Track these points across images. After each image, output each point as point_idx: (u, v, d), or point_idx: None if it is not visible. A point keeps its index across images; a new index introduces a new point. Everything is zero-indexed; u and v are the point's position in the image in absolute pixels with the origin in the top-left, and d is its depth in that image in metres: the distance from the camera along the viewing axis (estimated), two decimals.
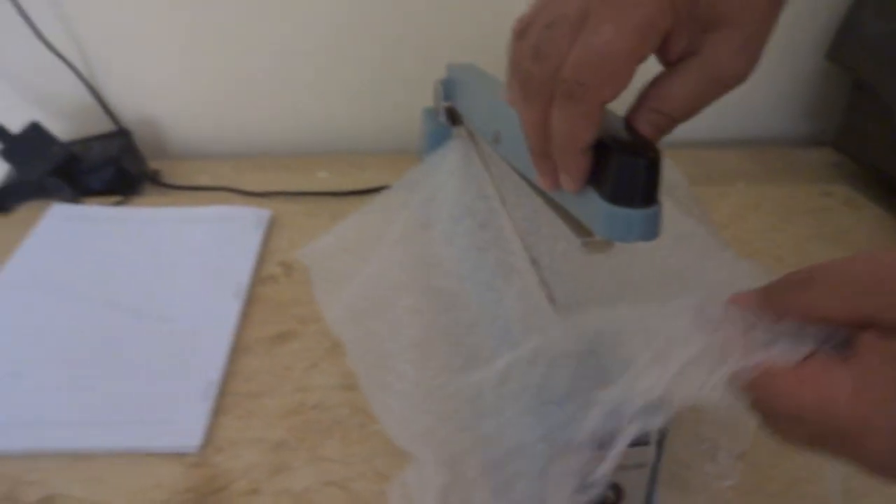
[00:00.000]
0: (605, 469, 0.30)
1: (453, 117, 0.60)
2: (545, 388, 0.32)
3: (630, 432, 0.28)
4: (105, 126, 0.76)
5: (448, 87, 0.60)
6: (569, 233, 0.36)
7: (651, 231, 0.29)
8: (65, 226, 0.62)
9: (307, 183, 0.71)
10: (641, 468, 0.35)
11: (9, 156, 0.67)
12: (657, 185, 0.29)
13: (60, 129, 0.71)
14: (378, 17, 0.73)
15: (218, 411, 0.45)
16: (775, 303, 0.25)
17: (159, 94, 0.77)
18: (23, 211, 0.66)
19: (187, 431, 0.43)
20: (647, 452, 0.35)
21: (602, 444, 0.33)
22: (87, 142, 0.73)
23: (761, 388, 0.24)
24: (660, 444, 0.35)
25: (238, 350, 0.50)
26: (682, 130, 0.84)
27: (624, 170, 0.28)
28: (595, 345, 0.31)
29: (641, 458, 0.35)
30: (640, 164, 0.28)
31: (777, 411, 0.24)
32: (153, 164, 0.74)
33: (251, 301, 0.55)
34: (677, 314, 0.27)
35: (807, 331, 0.24)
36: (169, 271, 0.57)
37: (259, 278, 0.57)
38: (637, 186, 0.29)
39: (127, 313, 0.52)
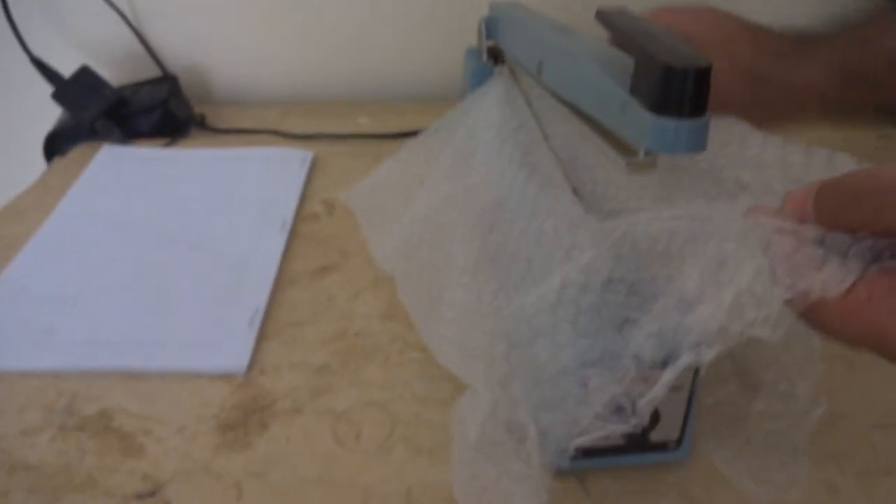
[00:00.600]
0: (652, 396, 0.30)
1: (496, 56, 0.60)
2: (599, 312, 0.32)
3: (682, 363, 0.28)
4: (152, 72, 0.77)
5: (490, 26, 0.59)
6: (614, 155, 0.35)
7: (699, 142, 0.29)
8: (116, 165, 0.64)
9: (348, 127, 0.72)
10: (678, 392, 0.35)
11: (61, 98, 0.68)
12: (707, 95, 0.28)
13: (110, 75, 0.73)
14: None
15: (263, 337, 0.47)
16: (831, 215, 0.24)
17: (205, 41, 0.78)
18: (75, 153, 0.68)
19: (234, 355, 0.45)
20: (685, 376, 0.35)
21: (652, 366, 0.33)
22: (135, 87, 0.75)
23: (811, 320, 0.24)
24: (696, 369, 0.35)
25: (283, 282, 0.51)
26: None
27: (672, 79, 0.28)
28: (644, 260, 0.31)
29: (678, 381, 0.35)
30: (688, 73, 0.28)
31: (832, 337, 0.23)
32: (199, 109, 0.76)
33: (295, 236, 0.56)
34: (728, 219, 0.27)
35: (859, 245, 0.24)
36: (217, 207, 0.58)
37: (302, 216, 0.58)
38: (685, 96, 0.28)
39: (178, 245, 0.54)
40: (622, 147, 0.35)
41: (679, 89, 0.28)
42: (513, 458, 0.35)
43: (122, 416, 0.42)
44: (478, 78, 0.62)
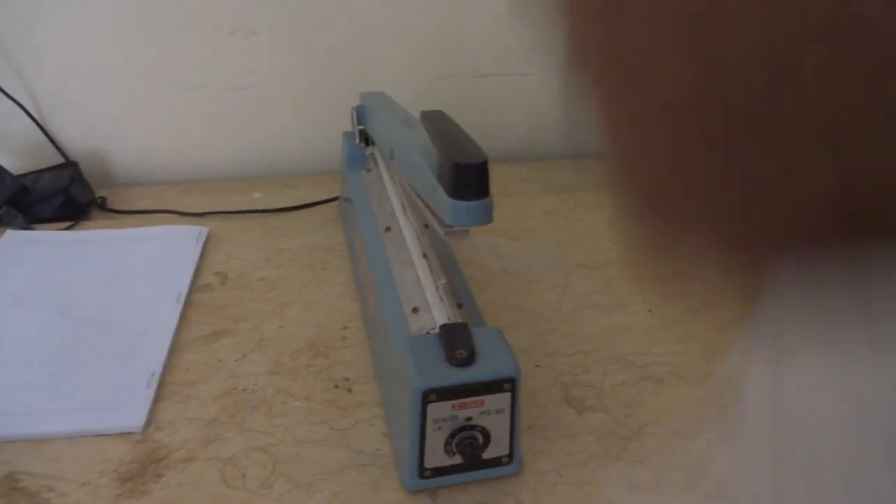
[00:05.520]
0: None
1: (366, 139, 0.69)
2: None
3: None
4: (54, 159, 0.82)
5: (361, 113, 0.68)
6: (438, 227, 0.44)
7: (484, 217, 0.38)
8: (19, 249, 0.69)
9: (243, 203, 0.79)
10: (503, 414, 0.43)
11: None
12: (485, 182, 0.37)
13: (12, 163, 0.78)
14: (302, 55, 0.81)
15: (159, 398, 0.53)
16: None
17: (103, 128, 0.84)
18: None
19: (132, 415, 0.50)
20: (505, 399, 0.43)
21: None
22: (37, 174, 0.80)
23: None
24: (514, 392, 0.43)
25: (178, 347, 0.57)
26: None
27: (457, 171, 0.37)
28: None
29: (501, 405, 0.43)
30: (469, 167, 0.37)
31: None
32: (100, 192, 0.81)
33: (190, 306, 0.62)
34: None
35: None
36: (116, 283, 0.64)
37: (197, 286, 0.65)
38: (469, 184, 0.37)
39: (79, 319, 0.59)
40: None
41: (464, 179, 0.37)
42: None
43: (27, 477, 0.47)
44: (353, 157, 0.71)
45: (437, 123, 0.43)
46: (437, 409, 0.42)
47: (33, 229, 0.73)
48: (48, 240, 0.71)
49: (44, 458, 0.48)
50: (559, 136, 0.93)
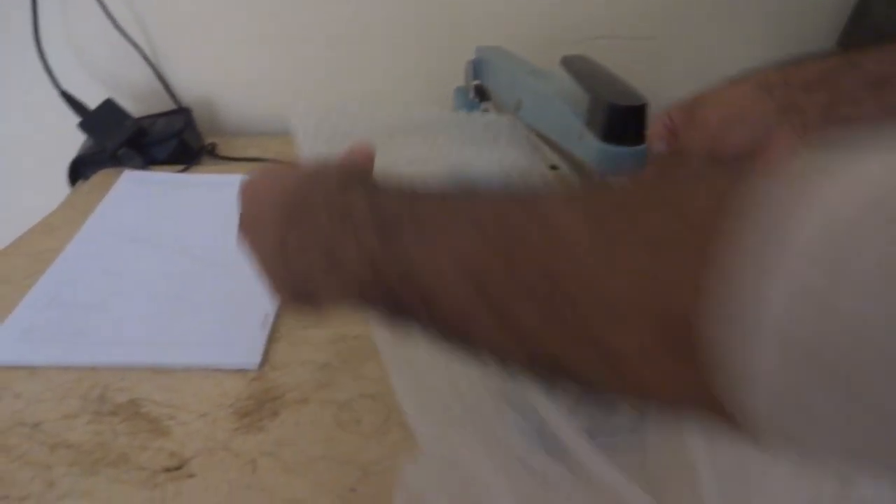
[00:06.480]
0: None
1: (481, 94, 0.67)
2: None
3: None
4: (168, 105, 0.84)
5: (477, 67, 0.66)
6: (576, 178, 0.42)
7: (641, 165, 0.36)
8: (137, 188, 0.71)
9: None
10: None
11: (86, 128, 0.75)
12: (643, 128, 0.35)
13: (130, 107, 0.80)
14: (415, 6, 0.80)
15: (273, 339, 0.53)
16: None
17: (215, 77, 0.85)
18: (98, 177, 0.75)
19: (248, 352, 0.51)
20: None
21: None
22: (153, 118, 0.82)
23: None
24: None
25: None
26: None
27: (615, 114, 0.35)
28: None
29: None
30: (628, 109, 0.35)
31: None
32: (210, 139, 0.82)
33: None
34: None
35: None
36: (228, 226, 0.64)
37: None
38: (626, 128, 0.35)
39: (195, 259, 0.60)
40: (581, 167, 0.42)
41: (621, 123, 0.35)
42: None
43: (149, 403, 0.48)
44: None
45: (585, 66, 0.40)
46: None
47: (150, 170, 0.74)
48: (164, 181, 0.72)
49: (164, 387, 0.49)
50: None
